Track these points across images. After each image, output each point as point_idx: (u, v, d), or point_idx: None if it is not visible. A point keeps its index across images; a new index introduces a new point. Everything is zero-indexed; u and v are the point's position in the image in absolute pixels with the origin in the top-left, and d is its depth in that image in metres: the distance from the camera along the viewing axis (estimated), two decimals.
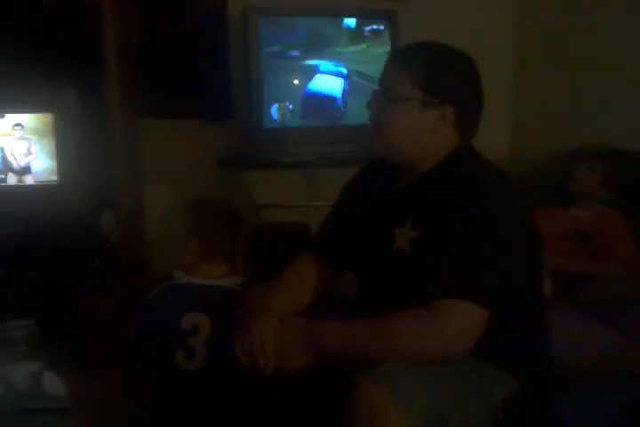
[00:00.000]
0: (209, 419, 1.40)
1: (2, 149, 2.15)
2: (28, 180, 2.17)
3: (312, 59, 2.44)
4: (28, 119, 2.14)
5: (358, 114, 2.25)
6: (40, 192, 2.15)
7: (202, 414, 1.39)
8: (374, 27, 2.52)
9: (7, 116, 2.14)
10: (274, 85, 2.38)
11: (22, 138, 2.15)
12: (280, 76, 2.39)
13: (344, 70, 2.44)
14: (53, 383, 1.37)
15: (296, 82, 2.42)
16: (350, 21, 2.51)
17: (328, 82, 2.46)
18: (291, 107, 2.40)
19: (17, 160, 2.17)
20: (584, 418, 1.28)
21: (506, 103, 2.93)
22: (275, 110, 2.39)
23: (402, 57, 1.28)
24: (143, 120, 2.41)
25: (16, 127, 2.14)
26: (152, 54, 2.37)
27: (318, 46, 2.45)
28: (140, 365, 1.51)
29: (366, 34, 2.50)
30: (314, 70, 2.43)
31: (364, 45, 2.50)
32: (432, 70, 1.23)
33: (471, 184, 1.18)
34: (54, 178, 2.16)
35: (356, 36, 2.49)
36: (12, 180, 2.17)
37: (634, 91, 2.34)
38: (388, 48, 2.52)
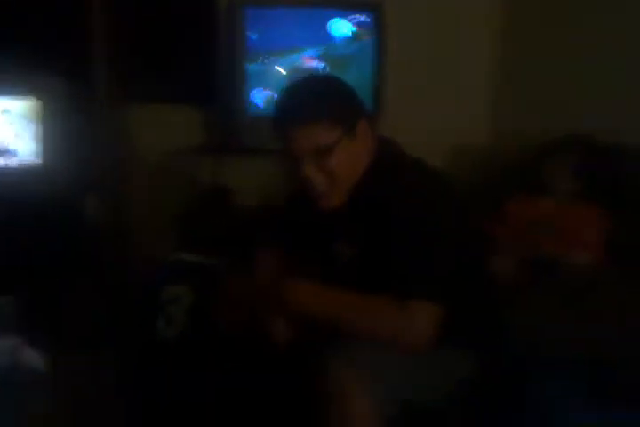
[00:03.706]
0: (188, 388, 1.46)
1: None
2: (13, 162, 2.21)
3: (298, 48, 2.49)
4: (15, 104, 2.19)
5: None
6: (24, 174, 2.20)
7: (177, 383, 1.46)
8: (359, 18, 2.57)
9: None
10: (258, 73, 2.42)
11: (9, 122, 2.19)
12: (264, 64, 2.44)
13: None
14: (33, 358, 1.44)
15: (281, 70, 2.47)
16: (336, 13, 2.56)
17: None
18: (275, 95, 2.45)
19: (2, 143, 2.22)
20: (547, 398, 1.35)
21: (485, 89, 2.94)
22: (259, 97, 2.44)
23: (300, 115, 1.22)
24: (129, 106, 2.46)
25: (3, 112, 2.19)
26: (140, 41, 2.40)
27: (304, 36, 2.50)
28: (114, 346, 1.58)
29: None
30: (299, 59, 2.48)
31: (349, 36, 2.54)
32: (332, 104, 1.22)
33: (394, 190, 1.23)
34: (39, 161, 2.21)
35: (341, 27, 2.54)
36: None
37: (613, 87, 2.39)
38: (375, 39, 2.57)
